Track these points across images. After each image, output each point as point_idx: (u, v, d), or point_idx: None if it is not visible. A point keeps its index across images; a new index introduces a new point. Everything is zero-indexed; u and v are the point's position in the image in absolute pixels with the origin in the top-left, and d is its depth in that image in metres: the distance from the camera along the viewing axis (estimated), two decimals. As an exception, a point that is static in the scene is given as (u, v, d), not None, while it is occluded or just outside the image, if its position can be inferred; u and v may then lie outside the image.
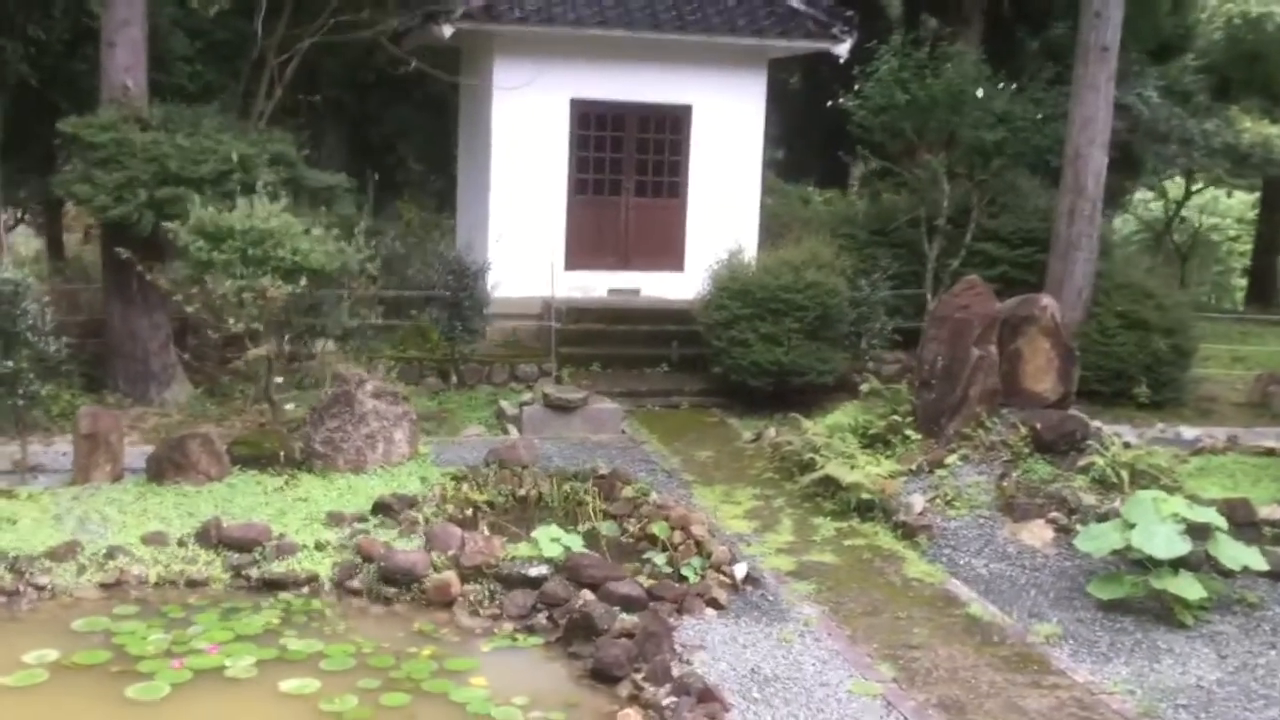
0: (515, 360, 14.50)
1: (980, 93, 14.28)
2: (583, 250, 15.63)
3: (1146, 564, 7.69)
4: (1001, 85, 14.76)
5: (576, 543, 8.35)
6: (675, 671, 6.69)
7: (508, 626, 7.62)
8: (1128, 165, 25.88)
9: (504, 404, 12.91)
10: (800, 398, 13.33)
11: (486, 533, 8.66)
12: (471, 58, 16.39)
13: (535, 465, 10.66)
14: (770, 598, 7.89)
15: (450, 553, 8.20)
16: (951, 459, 10.13)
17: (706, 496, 10.26)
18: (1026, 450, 10.23)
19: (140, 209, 10.61)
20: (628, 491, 10.12)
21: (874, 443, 10.77)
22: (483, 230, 15.45)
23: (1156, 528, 7.45)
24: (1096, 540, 7.81)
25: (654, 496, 9.86)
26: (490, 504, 10.01)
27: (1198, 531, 7.75)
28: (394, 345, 14.50)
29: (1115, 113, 25.37)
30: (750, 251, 14.89)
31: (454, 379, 14.08)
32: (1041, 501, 9.46)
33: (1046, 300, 10.93)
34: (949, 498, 9.64)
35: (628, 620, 7.33)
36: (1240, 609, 7.79)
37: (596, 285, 15.68)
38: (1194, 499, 9.18)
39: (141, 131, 11.10)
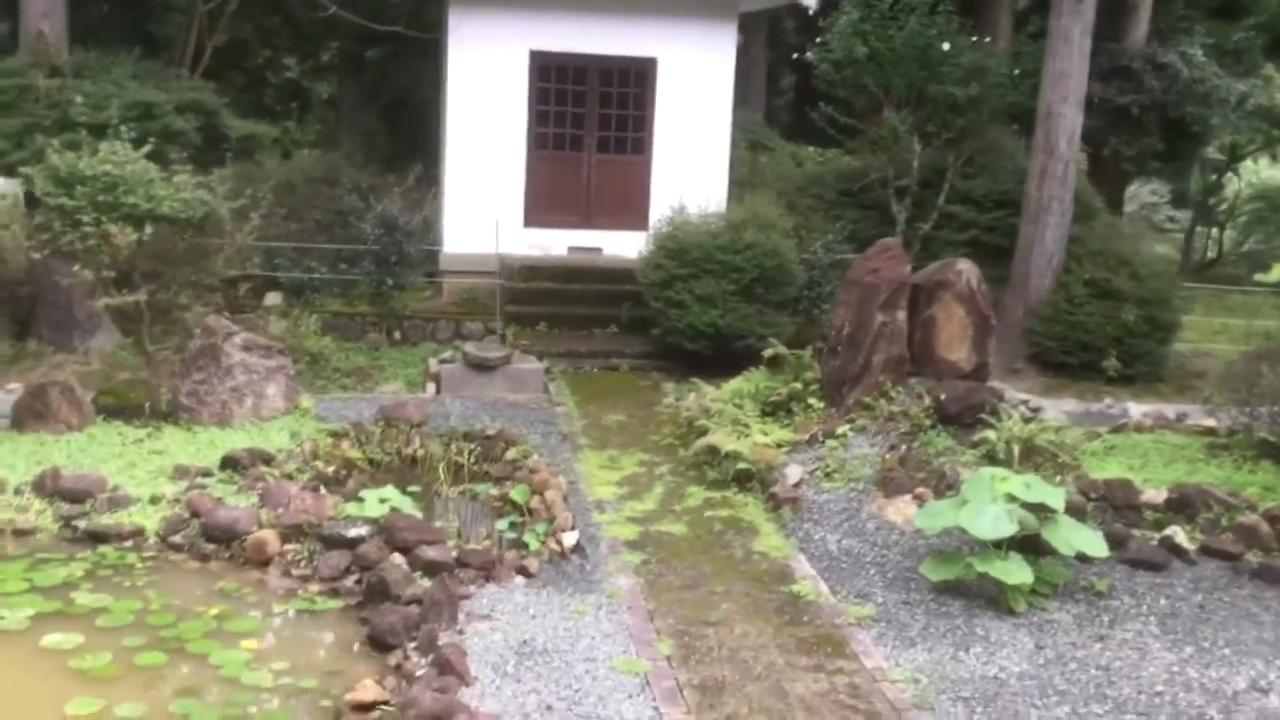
0: (462, 318, 14.28)
1: (947, 46, 13.58)
2: (542, 207, 15.29)
3: (989, 545, 7.21)
4: (975, 39, 14.03)
5: (406, 503, 8.11)
6: (442, 641, 6.43)
7: (314, 588, 7.40)
8: (1169, 127, 24.67)
9: (431, 361, 12.69)
10: (747, 363, 12.86)
11: (323, 490, 8.46)
12: (440, 9, 16.10)
13: (427, 424, 10.48)
14: (588, 567, 7.57)
15: (278, 511, 8.02)
16: (844, 429, 9.67)
17: (590, 461, 9.94)
18: (928, 422, 9.72)
19: (38, 155, 10.53)
20: (511, 453, 9.91)
21: (775, 410, 10.34)
22: (441, 185, 15.21)
23: (986, 507, 6.96)
24: (933, 518, 7.35)
25: (533, 459, 9.60)
26: (373, 462, 9.84)
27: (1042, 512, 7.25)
28: (349, 300, 14.41)
29: (1152, 71, 24.24)
30: (718, 208, 14.39)
31: (396, 335, 13.91)
32: (924, 476, 8.97)
33: (963, 265, 10.35)
34: (830, 469, 9.20)
35: (423, 586, 7.08)
36: (1085, 596, 7.28)
37: (556, 243, 15.33)
38: (1081, 478, 8.70)
39: (49, 78, 11.00)
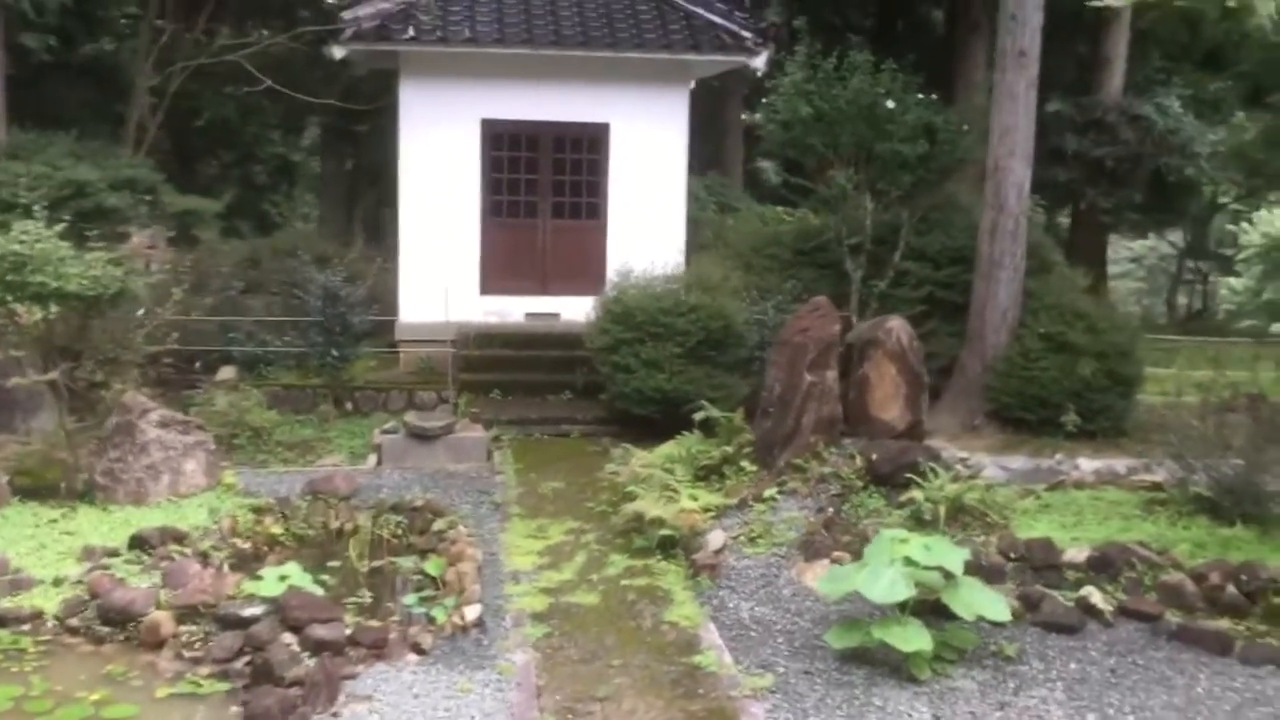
0: (416, 387, 14.18)
1: (891, 104, 13.51)
2: (499, 274, 15.27)
3: (894, 610, 6.99)
4: (921, 95, 13.96)
5: (306, 580, 7.93)
6: (312, 724, 6.24)
7: (204, 671, 7.21)
8: (1150, 179, 24.59)
9: (377, 432, 12.55)
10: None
11: (225, 570, 8.30)
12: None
13: (357, 496, 10.35)
14: (485, 642, 7.37)
15: (176, 591, 7.86)
16: (773, 492, 9.49)
17: (518, 530, 9.75)
18: (860, 483, 9.54)
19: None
20: (438, 524, 9.77)
21: (708, 474, 10.15)
22: (396, 255, 15.20)
23: (883, 570, 6.75)
24: (836, 582, 7.14)
25: (456, 530, 9.45)
26: (299, 538, 9.69)
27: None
28: (303, 372, 14.33)
29: (1127, 123, 24.15)
30: (675, 271, 14.29)
31: (348, 406, 13.83)
32: (848, 539, 8.76)
33: (894, 322, 10.22)
34: (754, 534, 9.00)
35: (309, 667, 6.90)
36: (993, 661, 7.03)
37: (513, 310, 15.28)
38: (1005, 537, 8.48)
39: (-18, 160, 11.06)
